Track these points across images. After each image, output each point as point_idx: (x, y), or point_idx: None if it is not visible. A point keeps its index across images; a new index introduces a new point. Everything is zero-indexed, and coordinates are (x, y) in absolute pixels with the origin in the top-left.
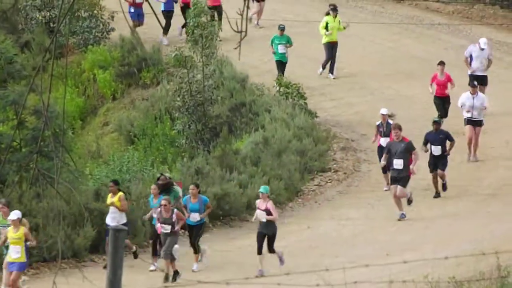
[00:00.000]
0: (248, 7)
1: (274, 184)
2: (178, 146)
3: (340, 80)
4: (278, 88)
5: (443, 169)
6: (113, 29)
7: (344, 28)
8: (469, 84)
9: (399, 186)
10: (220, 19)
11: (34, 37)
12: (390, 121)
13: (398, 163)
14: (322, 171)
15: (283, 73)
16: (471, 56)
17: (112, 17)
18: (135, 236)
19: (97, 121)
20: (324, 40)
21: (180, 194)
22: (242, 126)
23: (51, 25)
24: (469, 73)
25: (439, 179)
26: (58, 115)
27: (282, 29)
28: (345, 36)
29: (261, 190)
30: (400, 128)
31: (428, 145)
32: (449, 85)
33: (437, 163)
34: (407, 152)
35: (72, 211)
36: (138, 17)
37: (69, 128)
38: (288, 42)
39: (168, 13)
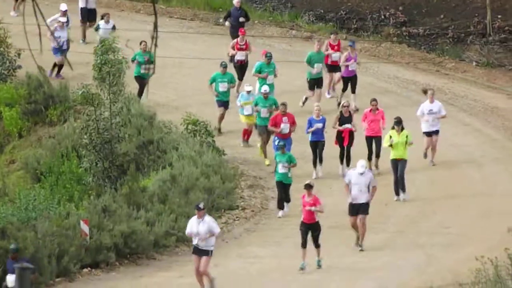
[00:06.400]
0: (155, 38)
1: (182, 222)
2: (85, 184)
3: None
4: (185, 125)
5: None
6: (19, 67)
7: (411, 144)
8: (349, 214)
9: None
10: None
11: None
12: None
13: None
14: (230, 209)
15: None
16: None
17: (19, 54)
18: (41, 274)
19: (3, 159)
20: (391, 156)
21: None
22: (150, 164)
23: None
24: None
25: None
26: None
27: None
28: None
29: None
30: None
31: None
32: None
33: None
34: None
35: None
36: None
37: None
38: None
39: None
